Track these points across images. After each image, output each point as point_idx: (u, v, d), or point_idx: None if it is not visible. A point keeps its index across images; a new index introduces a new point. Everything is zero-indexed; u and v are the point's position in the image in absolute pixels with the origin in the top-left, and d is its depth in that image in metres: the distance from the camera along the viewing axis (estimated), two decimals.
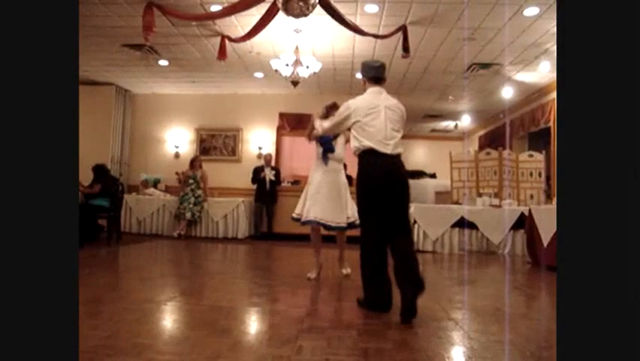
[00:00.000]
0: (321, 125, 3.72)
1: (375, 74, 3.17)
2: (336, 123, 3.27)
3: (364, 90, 3.19)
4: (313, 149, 4.07)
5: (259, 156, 9.44)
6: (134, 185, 9.37)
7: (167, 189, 9.15)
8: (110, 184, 6.80)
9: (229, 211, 8.10)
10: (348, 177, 4.48)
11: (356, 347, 2.14)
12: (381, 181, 2.91)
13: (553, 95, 7.89)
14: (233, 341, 2.20)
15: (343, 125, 3.22)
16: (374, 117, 2.99)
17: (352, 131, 3.10)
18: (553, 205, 6.06)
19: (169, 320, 2.67)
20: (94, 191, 6.51)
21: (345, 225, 3.90)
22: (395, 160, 2.98)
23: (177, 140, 9.79)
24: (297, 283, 3.85)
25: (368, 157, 2.98)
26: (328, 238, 4.33)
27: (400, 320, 2.61)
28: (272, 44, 6.73)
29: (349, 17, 5.42)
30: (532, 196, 7.69)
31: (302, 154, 9.46)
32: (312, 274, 4.01)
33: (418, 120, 11.86)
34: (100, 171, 6.72)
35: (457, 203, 7.63)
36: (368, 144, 2.96)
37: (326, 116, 3.88)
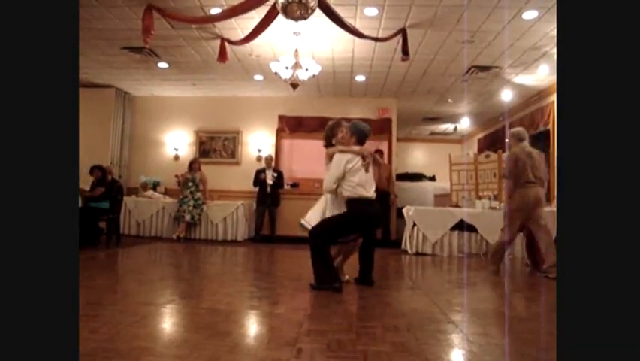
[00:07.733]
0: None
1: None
2: None
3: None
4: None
5: (258, 158, 9.43)
6: (134, 187, 9.37)
7: (167, 192, 9.14)
8: (111, 186, 6.80)
9: (228, 214, 8.10)
10: None
11: (355, 350, 2.14)
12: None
13: (553, 97, 7.90)
14: (233, 343, 2.20)
15: None
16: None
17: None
18: (552, 208, 6.06)
19: (168, 322, 2.67)
20: (95, 194, 6.50)
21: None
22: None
23: (177, 142, 9.79)
24: (296, 286, 3.84)
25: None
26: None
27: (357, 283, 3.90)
28: (271, 47, 6.74)
29: (349, 20, 5.42)
30: None
31: (301, 157, 9.45)
32: (345, 277, 4.03)
33: (417, 123, 11.86)
34: (103, 173, 6.76)
35: (456, 206, 7.63)
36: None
37: (330, 138, 4.00)
